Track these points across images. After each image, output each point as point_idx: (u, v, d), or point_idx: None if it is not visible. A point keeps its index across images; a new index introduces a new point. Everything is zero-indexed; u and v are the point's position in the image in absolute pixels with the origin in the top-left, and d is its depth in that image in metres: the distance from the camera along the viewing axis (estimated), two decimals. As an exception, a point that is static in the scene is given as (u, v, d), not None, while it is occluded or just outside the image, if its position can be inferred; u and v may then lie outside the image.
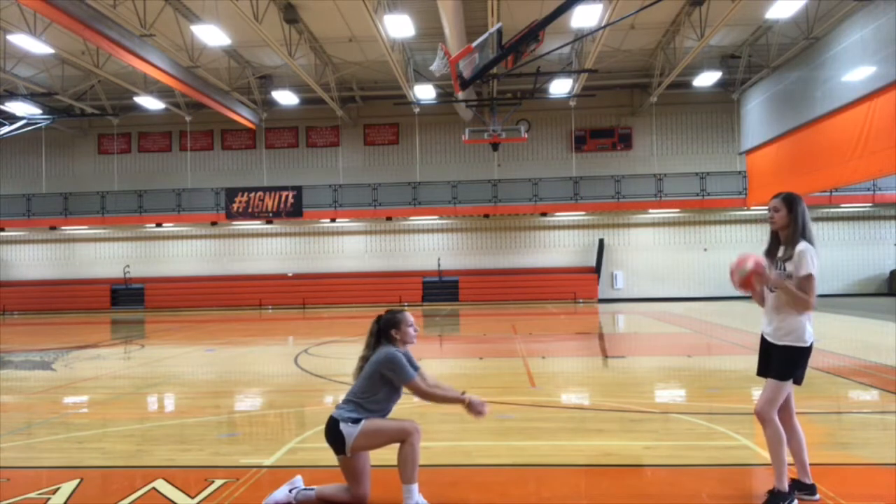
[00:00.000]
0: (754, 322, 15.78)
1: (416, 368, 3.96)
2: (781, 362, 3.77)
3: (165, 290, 26.15)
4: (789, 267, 3.74)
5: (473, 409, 3.90)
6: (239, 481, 4.34)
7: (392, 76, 20.48)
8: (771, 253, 3.92)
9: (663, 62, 21.21)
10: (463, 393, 3.97)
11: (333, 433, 3.86)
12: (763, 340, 3.94)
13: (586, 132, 25.63)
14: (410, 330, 3.99)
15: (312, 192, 25.05)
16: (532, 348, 11.44)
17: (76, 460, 4.97)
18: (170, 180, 26.46)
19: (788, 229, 3.81)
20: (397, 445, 3.82)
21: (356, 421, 3.83)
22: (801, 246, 3.71)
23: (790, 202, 3.79)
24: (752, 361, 10.38)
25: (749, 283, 3.86)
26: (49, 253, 27.41)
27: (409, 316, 4.03)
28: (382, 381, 3.91)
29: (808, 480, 3.86)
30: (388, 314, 4.05)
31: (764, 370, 3.93)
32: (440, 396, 3.99)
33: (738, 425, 5.62)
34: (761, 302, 3.99)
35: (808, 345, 3.76)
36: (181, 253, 26.97)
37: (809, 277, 3.67)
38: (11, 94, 21.23)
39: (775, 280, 3.73)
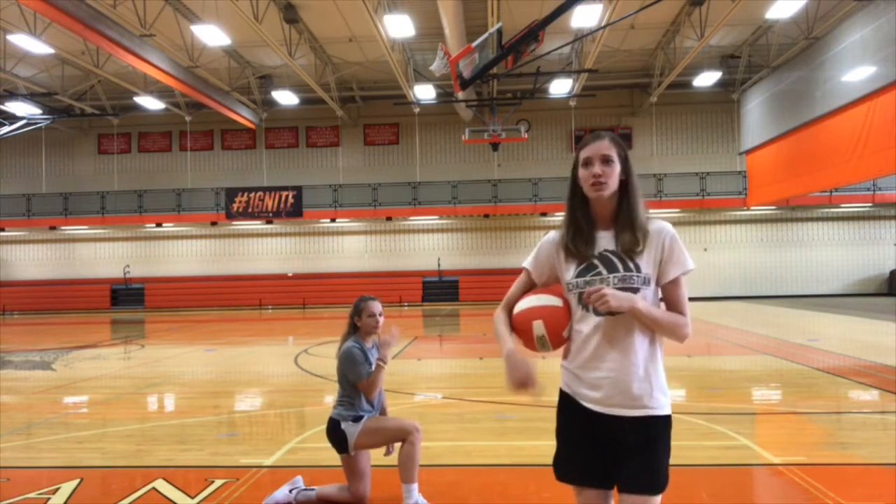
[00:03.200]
0: (754, 322, 15.79)
1: (374, 363, 3.94)
2: (663, 445, 2.07)
3: (165, 290, 26.15)
4: (645, 265, 2.06)
5: (385, 344, 3.86)
6: (239, 481, 4.34)
7: (392, 76, 20.48)
8: (582, 244, 2.11)
9: (663, 62, 21.21)
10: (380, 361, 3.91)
11: (335, 433, 3.87)
12: (585, 416, 2.09)
13: (586, 132, 25.59)
14: (370, 321, 3.94)
15: (312, 192, 25.05)
16: (532, 348, 11.42)
17: (76, 460, 4.97)
18: (170, 180, 26.46)
19: (621, 196, 2.14)
20: (397, 445, 3.83)
21: (357, 419, 3.85)
22: (661, 224, 2.17)
23: (624, 150, 2.16)
24: (753, 361, 10.42)
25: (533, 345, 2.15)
26: (49, 253, 27.40)
27: (375, 305, 3.97)
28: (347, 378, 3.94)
29: None
30: (357, 301, 4.02)
31: (610, 475, 2.09)
32: (380, 382, 3.91)
33: (738, 425, 5.62)
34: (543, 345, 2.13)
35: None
36: (181, 253, 26.97)
37: (681, 282, 2.11)
38: (11, 94, 21.23)
39: (647, 312, 2.02)
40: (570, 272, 2.13)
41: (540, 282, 2.24)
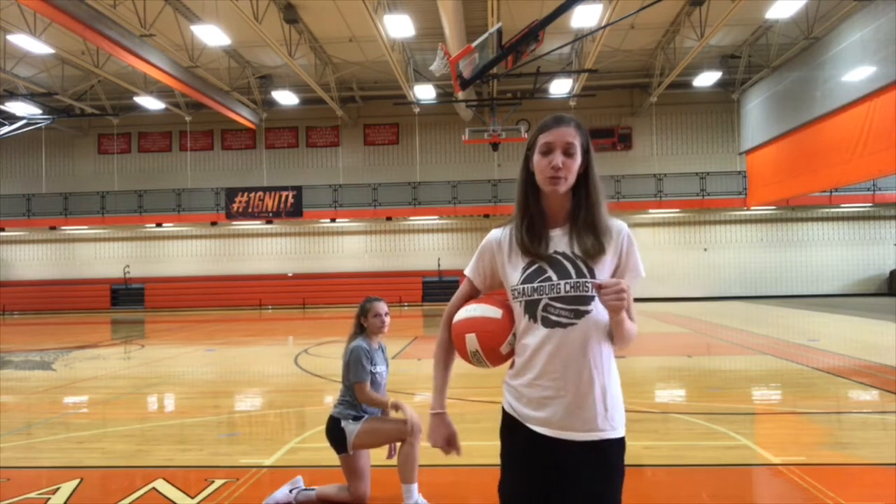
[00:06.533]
0: (754, 322, 15.79)
1: (380, 363, 3.93)
2: (618, 474, 1.86)
3: (165, 290, 26.15)
4: (600, 271, 1.85)
5: (406, 413, 3.74)
6: (239, 481, 4.34)
7: (392, 76, 20.48)
8: (535, 241, 1.89)
9: (663, 62, 21.21)
10: (394, 405, 3.83)
11: (334, 432, 3.87)
12: (531, 440, 1.85)
13: (587, 132, 25.61)
14: (376, 320, 3.94)
15: (312, 192, 25.05)
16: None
17: (76, 460, 4.97)
18: (170, 180, 26.46)
19: (578, 191, 1.91)
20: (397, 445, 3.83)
21: (357, 419, 3.85)
22: (618, 223, 1.92)
23: (588, 139, 1.93)
24: (753, 361, 10.41)
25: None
26: (49, 253, 27.40)
27: (380, 306, 3.97)
28: None
29: None
30: (363, 301, 4.02)
31: None
32: (377, 401, 3.86)
33: (738, 425, 5.62)
34: (499, 358, 1.96)
35: None
36: (181, 253, 26.97)
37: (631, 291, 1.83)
38: (11, 94, 21.23)
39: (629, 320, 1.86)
40: (515, 276, 1.90)
41: (484, 288, 2.04)
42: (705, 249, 25.23)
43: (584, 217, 1.88)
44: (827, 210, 24.69)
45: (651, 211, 24.97)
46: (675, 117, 25.47)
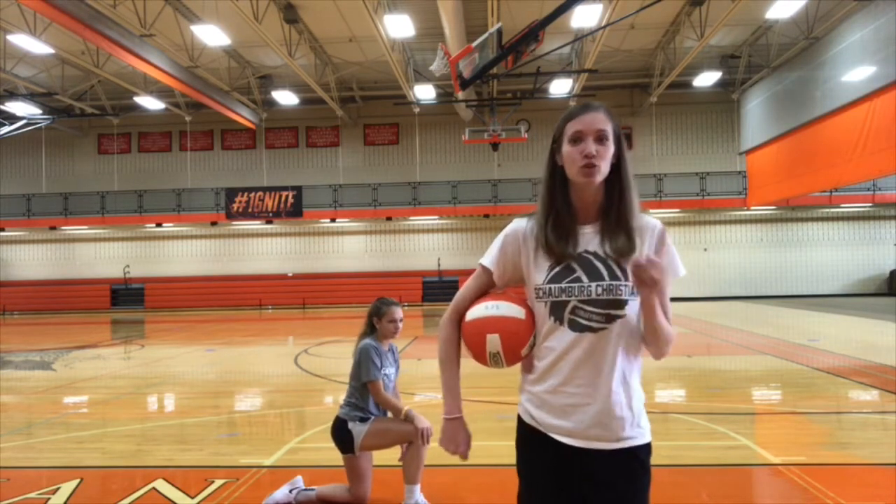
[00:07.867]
0: (754, 322, 15.79)
1: (388, 366, 3.90)
2: (646, 480, 1.77)
3: (165, 290, 26.15)
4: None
5: (417, 426, 3.71)
6: (239, 481, 4.34)
7: (392, 76, 20.48)
8: (562, 240, 1.74)
9: (663, 62, 21.21)
10: (406, 411, 3.82)
11: (341, 433, 3.85)
12: (555, 450, 1.79)
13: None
14: (390, 326, 3.89)
15: (312, 192, 25.05)
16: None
17: (76, 460, 4.97)
18: (170, 180, 26.46)
19: (611, 184, 1.76)
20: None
21: (364, 420, 3.84)
22: (651, 221, 1.79)
23: (619, 126, 1.80)
24: (753, 361, 10.42)
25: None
26: (49, 253, 27.40)
27: (396, 310, 3.90)
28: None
29: None
30: (378, 301, 3.97)
31: None
32: (391, 405, 3.85)
33: (738, 425, 5.62)
34: (520, 361, 1.85)
35: None
36: (181, 253, 26.97)
37: (668, 290, 1.76)
38: (11, 94, 21.22)
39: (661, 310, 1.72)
40: (540, 274, 1.75)
41: (501, 283, 1.85)
42: (705, 249, 25.22)
43: (616, 213, 1.74)
44: (827, 210, 24.69)
45: (651, 211, 24.85)
46: (676, 117, 25.47)
